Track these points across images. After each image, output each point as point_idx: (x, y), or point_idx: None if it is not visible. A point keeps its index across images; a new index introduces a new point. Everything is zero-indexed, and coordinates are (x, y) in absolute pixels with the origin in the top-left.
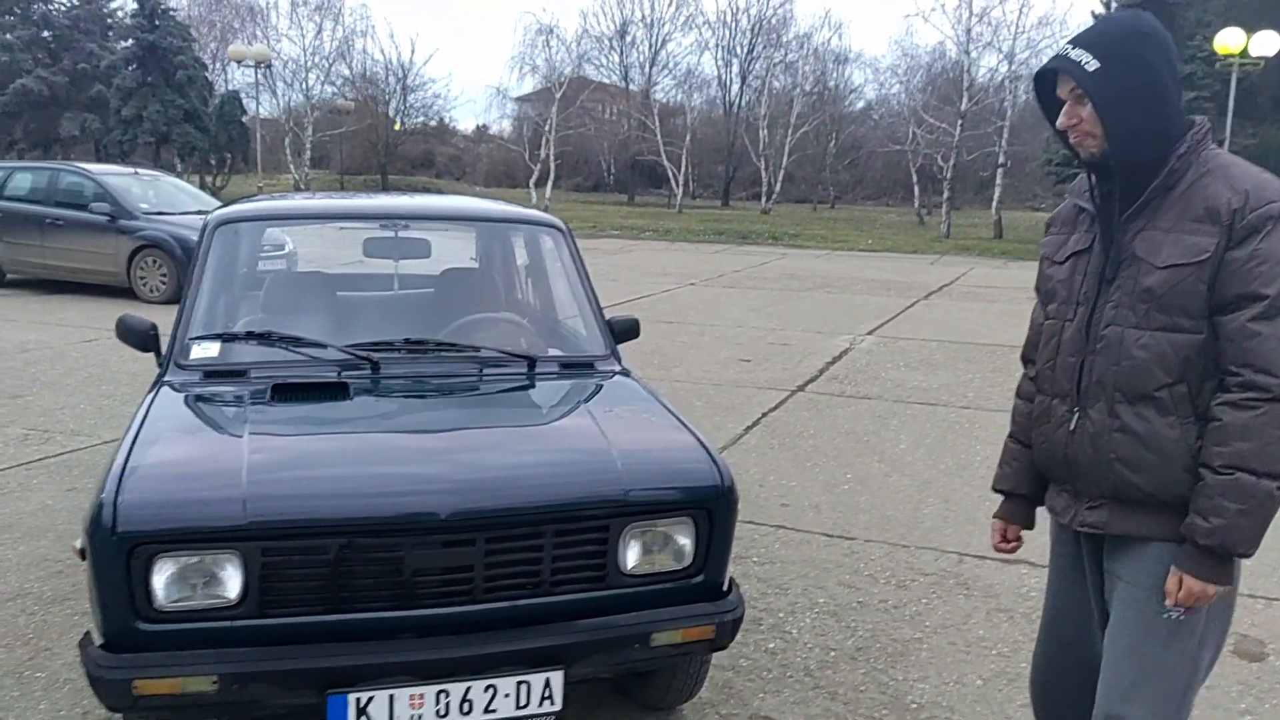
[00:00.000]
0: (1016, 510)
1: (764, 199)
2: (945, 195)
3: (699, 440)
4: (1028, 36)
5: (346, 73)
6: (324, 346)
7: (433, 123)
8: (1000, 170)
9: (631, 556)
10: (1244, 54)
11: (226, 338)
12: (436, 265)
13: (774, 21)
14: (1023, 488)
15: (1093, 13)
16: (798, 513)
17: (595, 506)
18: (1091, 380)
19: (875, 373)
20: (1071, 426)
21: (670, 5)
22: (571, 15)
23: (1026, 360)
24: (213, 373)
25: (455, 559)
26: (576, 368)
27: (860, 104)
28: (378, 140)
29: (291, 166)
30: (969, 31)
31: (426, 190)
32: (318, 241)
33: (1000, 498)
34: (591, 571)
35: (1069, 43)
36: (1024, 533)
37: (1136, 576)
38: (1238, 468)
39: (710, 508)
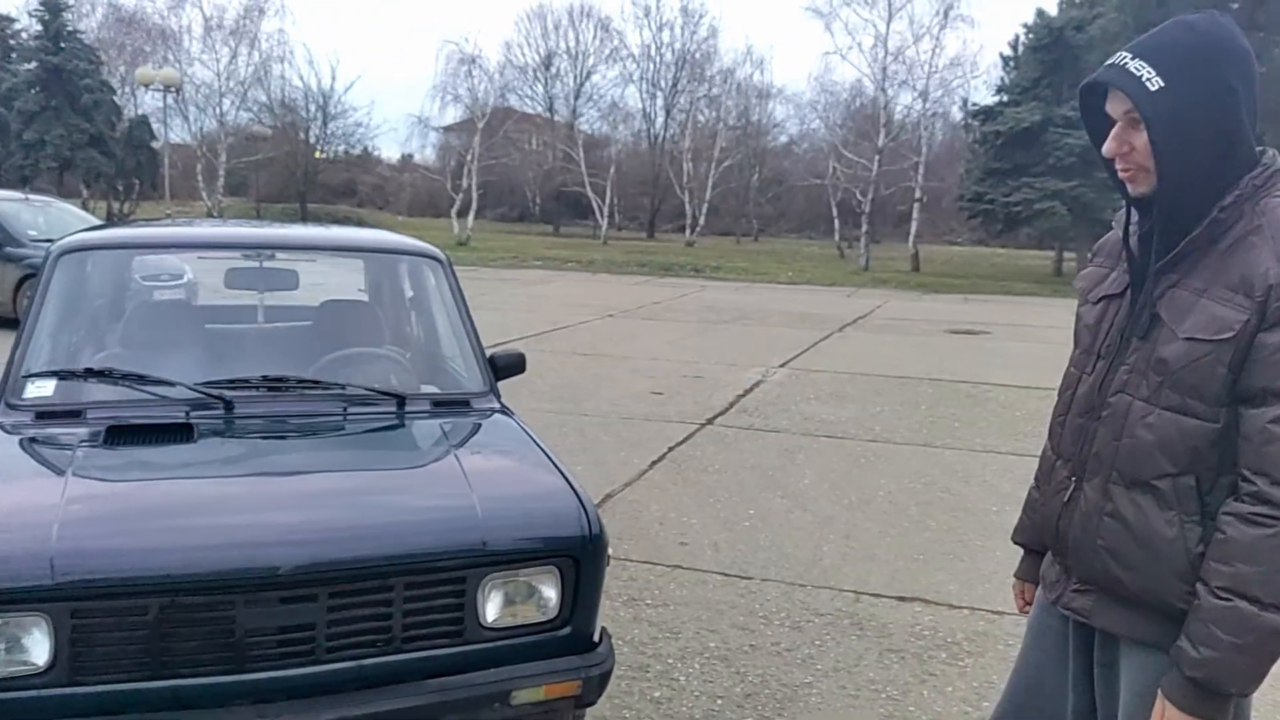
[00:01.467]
0: (1034, 568)
1: (688, 231)
2: (864, 229)
3: (569, 484)
4: (940, 76)
5: (264, 98)
6: (172, 384)
7: (355, 151)
8: (917, 205)
9: (492, 609)
10: None
11: (64, 375)
12: (318, 296)
13: (697, 56)
14: (1040, 542)
15: (1001, 55)
16: (696, 551)
17: (451, 557)
18: (1091, 451)
19: (785, 405)
20: (1067, 496)
21: (594, 38)
22: (494, 45)
23: None
24: (46, 413)
25: (294, 617)
26: (450, 406)
27: (783, 138)
28: (297, 168)
29: (204, 193)
30: (885, 70)
31: (347, 220)
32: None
33: (1020, 553)
34: (448, 626)
35: (1128, 50)
36: (918, 570)
37: (1124, 677)
38: (1238, 594)
39: (577, 556)
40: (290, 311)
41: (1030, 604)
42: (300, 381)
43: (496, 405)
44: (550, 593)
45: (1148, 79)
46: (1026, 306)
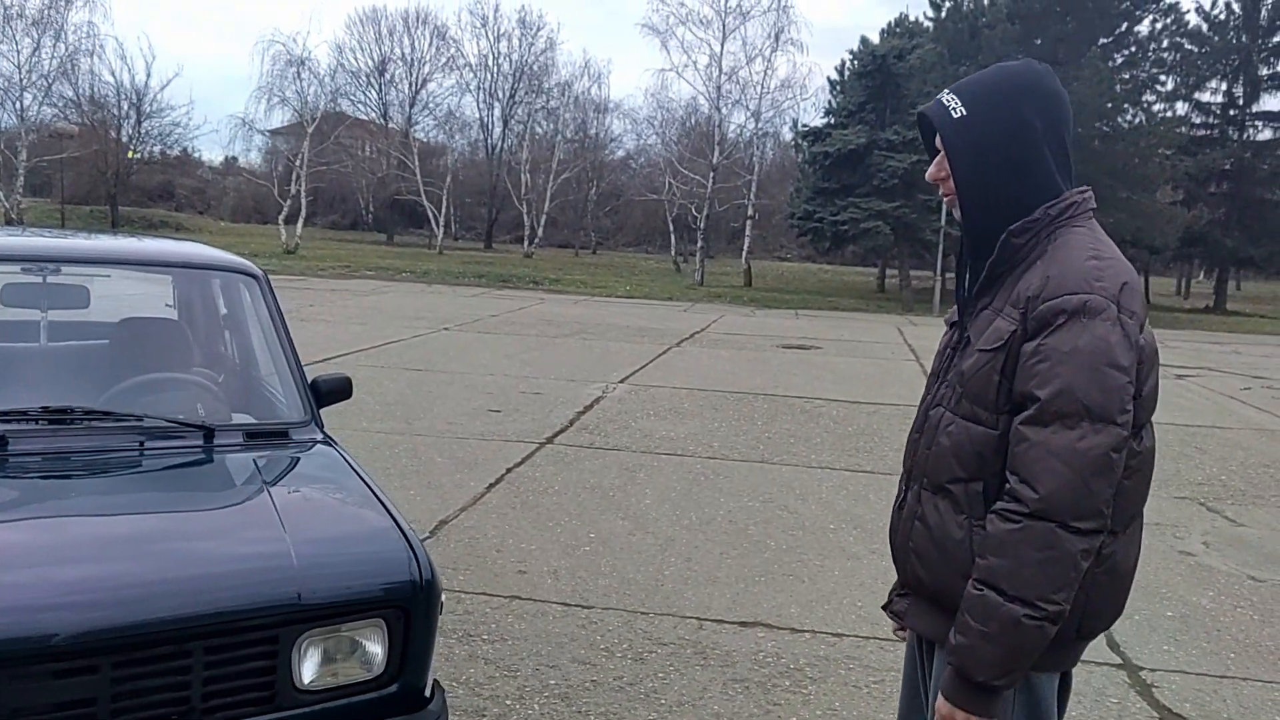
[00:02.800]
0: None
1: (526, 242)
2: (699, 244)
3: (397, 524)
4: (772, 97)
5: (70, 93)
6: None
7: (173, 152)
8: (749, 222)
9: (309, 669)
10: None
11: None
12: (119, 312)
13: (535, 68)
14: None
15: (829, 79)
16: (535, 580)
17: (260, 615)
18: (914, 461)
19: (625, 422)
20: (897, 505)
21: (430, 45)
22: (325, 48)
23: None
24: None
25: (72, 692)
26: (266, 438)
27: (620, 153)
28: (107, 168)
29: (0, 194)
30: (719, 89)
31: (163, 224)
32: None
33: None
34: (258, 692)
35: (949, 87)
36: (760, 593)
37: (934, 684)
38: (988, 584)
39: (406, 606)
40: (82, 329)
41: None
42: (88, 412)
43: (318, 435)
44: (376, 648)
45: (954, 109)
46: (854, 322)
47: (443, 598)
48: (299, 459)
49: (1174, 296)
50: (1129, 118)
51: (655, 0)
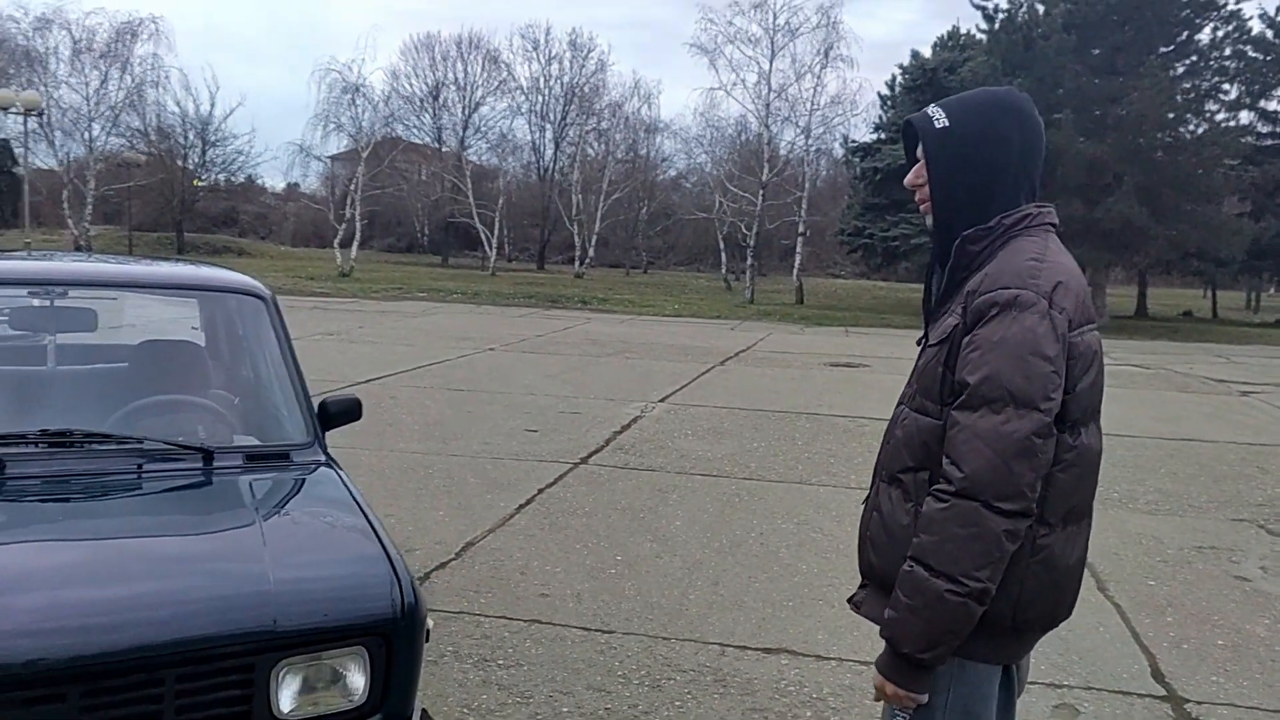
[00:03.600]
0: None
1: (578, 263)
2: (750, 262)
3: (383, 550)
4: (822, 113)
5: (137, 124)
6: None
7: (236, 179)
8: (800, 239)
9: (287, 699)
10: None
11: None
12: (137, 336)
13: (586, 90)
14: None
15: (879, 94)
16: (556, 604)
17: (234, 642)
18: (879, 458)
19: (662, 442)
20: (864, 500)
21: (483, 70)
22: (378, 74)
23: None
24: None
25: None
26: (266, 460)
27: (671, 172)
28: (173, 196)
29: (70, 221)
30: (768, 106)
31: (226, 250)
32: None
33: None
34: None
35: (936, 102)
36: (787, 618)
37: None
38: (918, 560)
39: (387, 633)
40: (92, 352)
41: None
42: (88, 435)
43: (321, 457)
44: (357, 677)
45: (937, 119)
46: (905, 340)
47: (429, 625)
48: (296, 481)
49: (1243, 310)
50: (1191, 128)
51: (704, 20)
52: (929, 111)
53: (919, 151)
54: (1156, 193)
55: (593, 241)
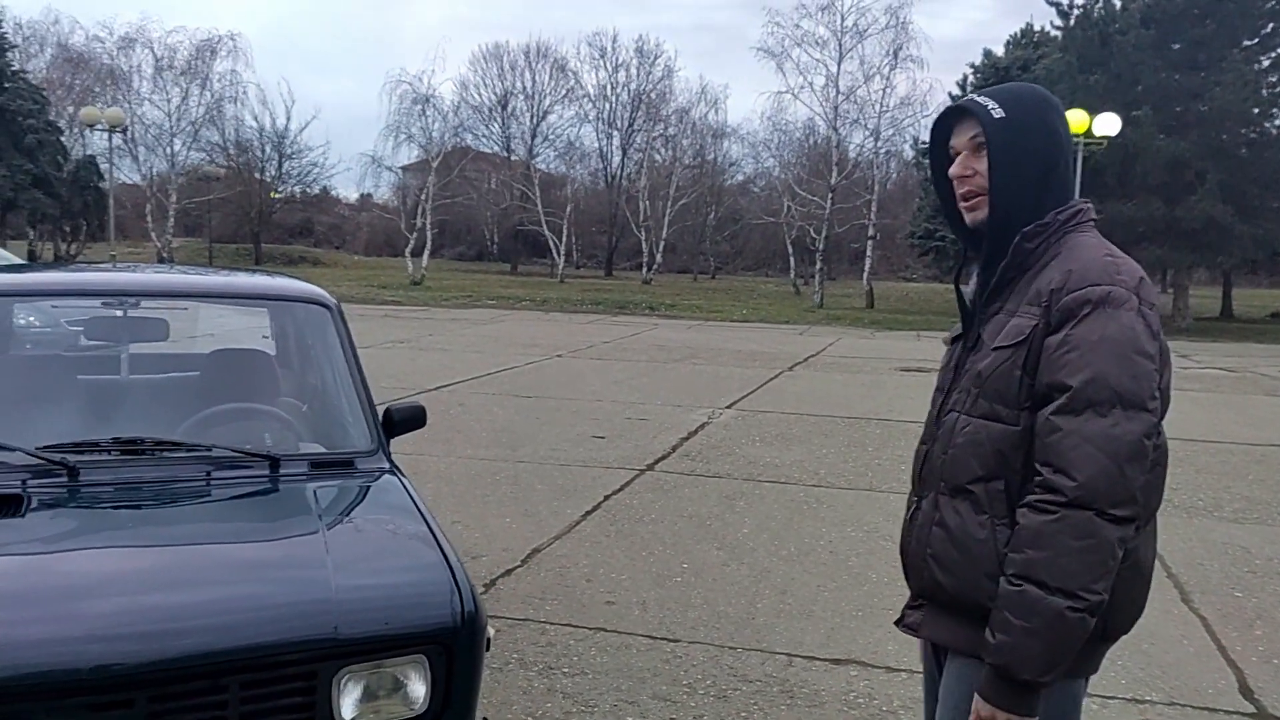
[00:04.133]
0: None
1: (645, 269)
2: (819, 266)
3: (444, 558)
4: (891, 115)
5: (216, 138)
6: (10, 450)
7: (312, 191)
8: (870, 242)
9: (349, 706)
10: (1088, 134)
11: None
12: (208, 345)
13: (653, 96)
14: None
15: (950, 94)
16: (622, 611)
17: (296, 649)
18: (927, 468)
19: (729, 449)
20: (909, 516)
21: (550, 78)
22: (449, 85)
23: None
24: None
25: None
26: (332, 467)
27: (739, 177)
28: (251, 208)
29: (153, 234)
30: (836, 109)
31: (302, 260)
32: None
33: None
34: None
35: (976, 91)
36: (856, 628)
37: (943, 694)
38: (1027, 579)
39: (448, 642)
40: (166, 361)
41: None
42: (159, 443)
43: (385, 465)
44: (418, 685)
45: (993, 109)
46: None
47: (491, 633)
48: (359, 489)
49: None
50: (1277, 123)
51: (770, 24)
52: (980, 100)
53: (960, 142)
54: (1241, 190)
55: (660, 248)
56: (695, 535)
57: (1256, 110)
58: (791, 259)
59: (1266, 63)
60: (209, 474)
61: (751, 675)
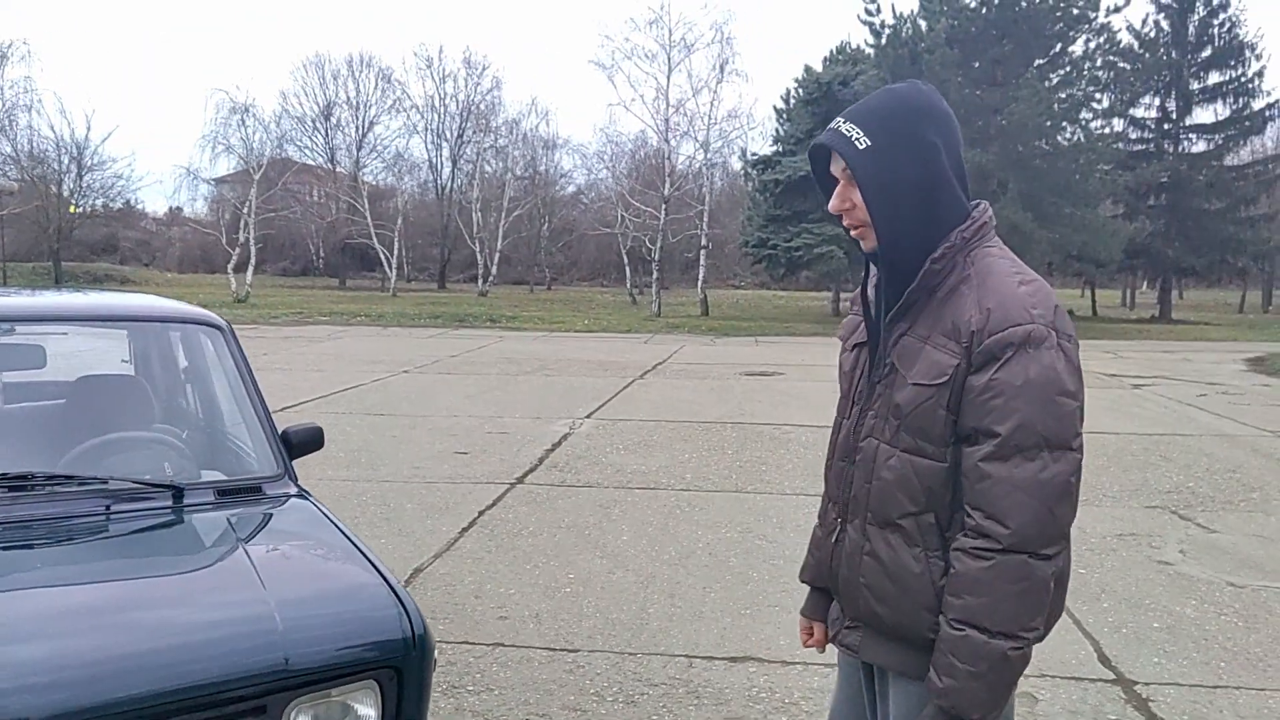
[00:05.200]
0: (820, 605)
1: (480, 281)
2: (655, 276)
3: (384, 578)
4: (720, 127)
5: (8, 149)
6: None
7: (115, 205)
8: (703, 252)
9: None
10: None
11: None
12: (73, 370)
13: (482, 107)
14: (823, 580)
15: (775, 107)
16: (517, 625)
17: (246, 683)
18: (851, 494)
19: (595, 458)
20: (835, 537)
21: (376, 88)
22: (269, 94)
23: None
24: None
25: None
26: (239, 494)
27: (571, 188)
28: (49, 224)
29: None
30: (667, 121)
31: (108, 278)
32: None
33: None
34: None
35: (843, 115)
36: (748, 626)
37: (892, 710)
38: (968, 624)
39: (398, 665)
40: (37, 389)
41: (817, 641)
42: (50, 477)
43: (292, 489)
44: (369, 711)
45: (857, 139)
46: (812, 346)
47: (435, 653)
48: (275, 515)
49: (1120, 308)
50: (1068, 135)
51: (602, 37)
52: (843, 130)
53: (838, 171)
54: (1039, 198)
55: (495, 260)
56: (576, 545)
57: (1049, 124)
58: (627, 269)
59: (1057, 79)
60: (108, 508)
61: (655, 679)
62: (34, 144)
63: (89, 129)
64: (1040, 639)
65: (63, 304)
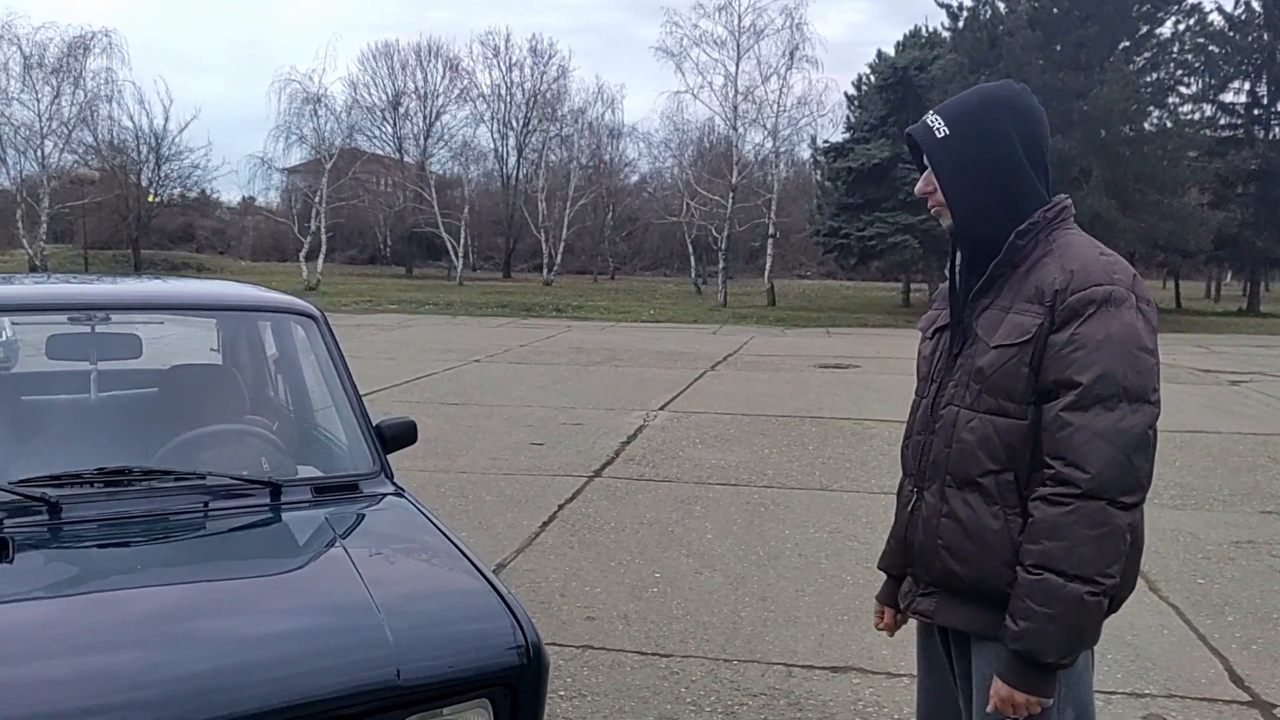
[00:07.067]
0: (894, 591)
1: (545, 270)
2: (721, 265)
3: (493, 586)
4: (789, 115)
5: (90, 139)
6: None
7: (192, 194)
8: (770, 240)
9: None
10: None
11: None
12: (166, 359)
13: (548, 96)
14: (898, 568)
15: (846, 94)
16: (605, 626)
17: (357, 699)
18: (929, 460)
19: (672, 452)
20: (910, 507)
21: (443, 78)
22: (339, 85)
23: None
24: None
25: None
26: (336, 491)
27: (635, 177)
28: (128, 212)
29: (24, 241)
30: (735, 109)
31: (185, 266)
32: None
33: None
34: None
35: (933, 109)
36: (846, 633)
37: (975, 678)
38: (1046, 568)
39: (513, 681)
40: (129, 377)
41: (887, 624)
42: (147, 472)
43: (390, 487)
44: None
45: (937, 129)
46: (886, 338)
47: (550, 669)
48: (374, 514)
49: (1205, 300)
50: (1154, 121)
51: (669, 24)
52: (928, 121)
53: (925, 160)
54: (1123, 186)
55: (559, 249)
56: (660, 543)
57: (1135, 109)
58: (692, 258)
59: (1143, 63)
60: (206, 504)
61: (754, 689)
62: (115, 134)
63: (167, 119)
64: (1115, 593)
65: (156, 292)
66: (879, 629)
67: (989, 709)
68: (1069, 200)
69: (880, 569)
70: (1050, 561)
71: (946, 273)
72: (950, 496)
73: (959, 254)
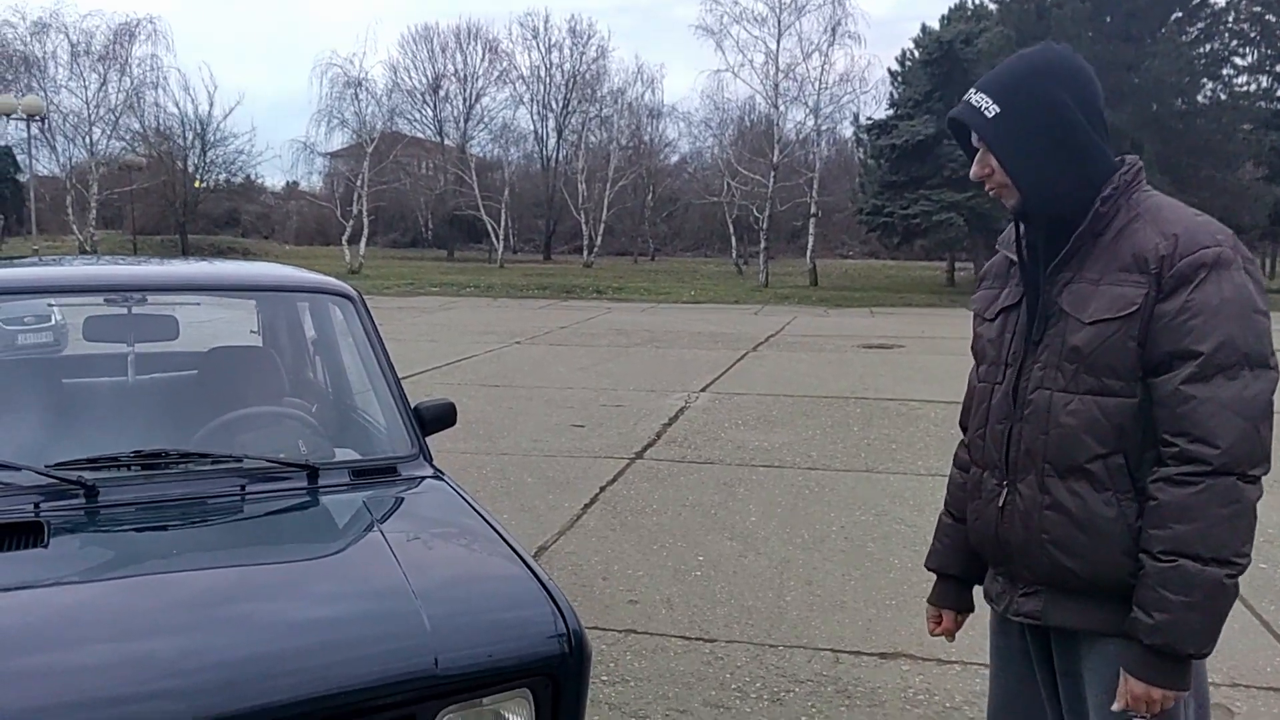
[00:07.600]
0: (949, 593)
1: (585, 252)
2: (763, 245)
3: (534, 573)
4: (831, 92)
5: (137, 126)
6: (16, 469)
7: (236, 180)
8: (812, 220)
9: None
10: None
11: None
12: (204, 340)
13: (587, 76)
14: (954, 567)
15: (889, 70)
16: (648, 610)
17: (394, 688)
18: (1020, 450)
19: (714, 433)
20: (1001, 502)
21: (483, 60)
22: (379, 68)
23: (963, 426)
24: None
25: None
26: (374, 475)
27: (675, 157)
28: (175, 198)
29: (74, 227)
30: (776, 87)
31: (230, 251)
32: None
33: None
34: None
35: (974, 86)
36: (894, 619)
37: (1088, 676)
38: (1179, 554)
39: (555, 673)
40: (168, 360)
41: (945, 629)
42: (184, 455)
43: (428, 470)
44: None
45: (985, 108)
46: (931, 318)
47: (592, 659)
48: (412, 498)
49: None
50: (1208, 93)
51: (709, 1)
52: (973, 101)
53: (975, 141)
54: (1176, 161)
55: (600, 230)
56: (703, 525)
57: (1188, 80)
58: (733, 238)
59: (1196, 33)
60: (243, 488)
61: (801, 675)
62: (161, 121)
63: (211, 105)
64: (1245, 568)
65: (192, 273)
66: (935, 634)
67: (1116, 707)
68: (1140, 161)
69: (931, 569)
70: (1184, 546)
71: (1009, 251)
72: (1052, 487)
73: (1025, 230)
